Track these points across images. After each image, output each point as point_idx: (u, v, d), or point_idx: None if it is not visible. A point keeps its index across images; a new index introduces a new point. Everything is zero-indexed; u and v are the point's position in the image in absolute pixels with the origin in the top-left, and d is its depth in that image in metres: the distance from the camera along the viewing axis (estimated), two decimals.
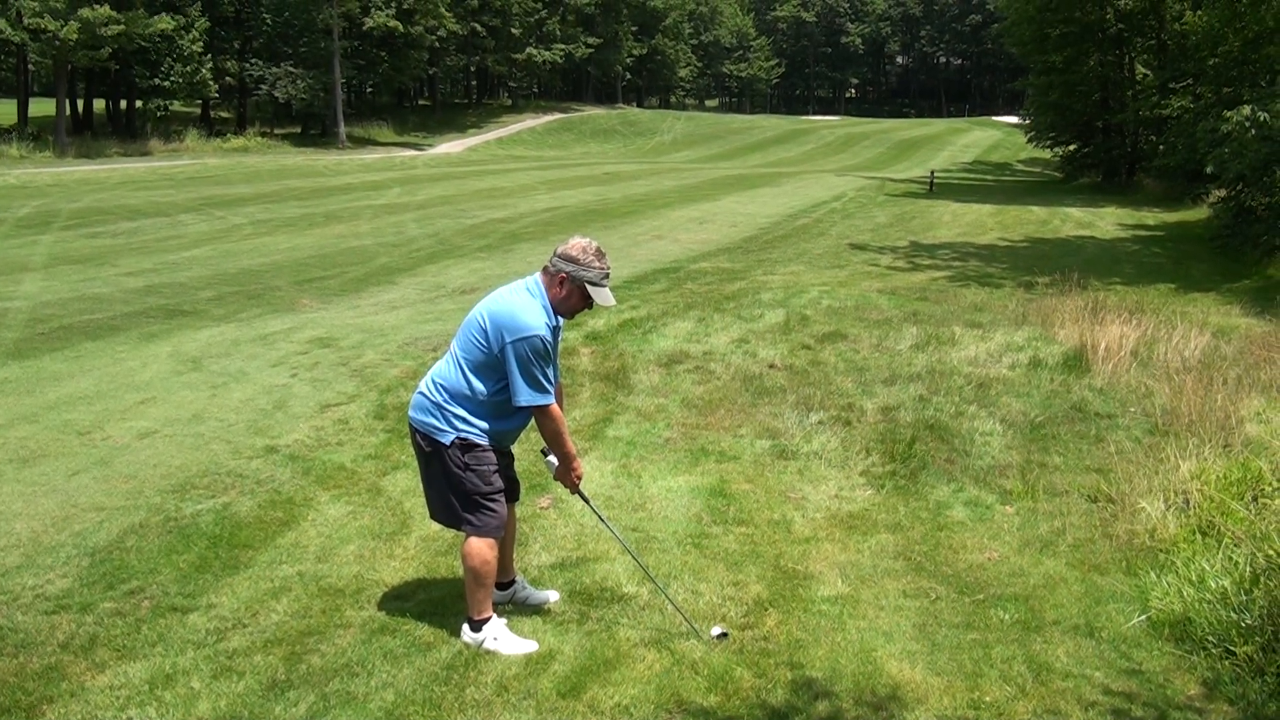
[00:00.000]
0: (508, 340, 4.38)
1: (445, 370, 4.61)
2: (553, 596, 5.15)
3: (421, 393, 4.67)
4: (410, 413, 4.70)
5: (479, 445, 4.56)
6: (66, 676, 4.35)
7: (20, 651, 4.55)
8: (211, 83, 49.56)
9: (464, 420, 4.54)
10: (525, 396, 4.42)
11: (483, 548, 4.59)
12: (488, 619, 4.67)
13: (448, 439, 4.54)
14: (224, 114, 61.52)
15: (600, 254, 4.54)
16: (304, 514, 6.22)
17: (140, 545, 5.70)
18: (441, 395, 4.58)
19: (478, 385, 4.51)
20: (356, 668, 4.46)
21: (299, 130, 59.73)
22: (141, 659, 4.51)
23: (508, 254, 18.16)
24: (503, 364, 4.42)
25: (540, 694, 4.28)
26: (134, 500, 6.38)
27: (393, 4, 56.56)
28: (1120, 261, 19.02)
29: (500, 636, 4.65)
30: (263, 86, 54.63)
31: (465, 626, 4.71)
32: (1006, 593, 5.36)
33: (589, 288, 4.51)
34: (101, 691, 4.25)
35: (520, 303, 4.47)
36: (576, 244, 4.53)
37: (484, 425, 4.56)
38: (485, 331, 4.45)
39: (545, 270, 4.55)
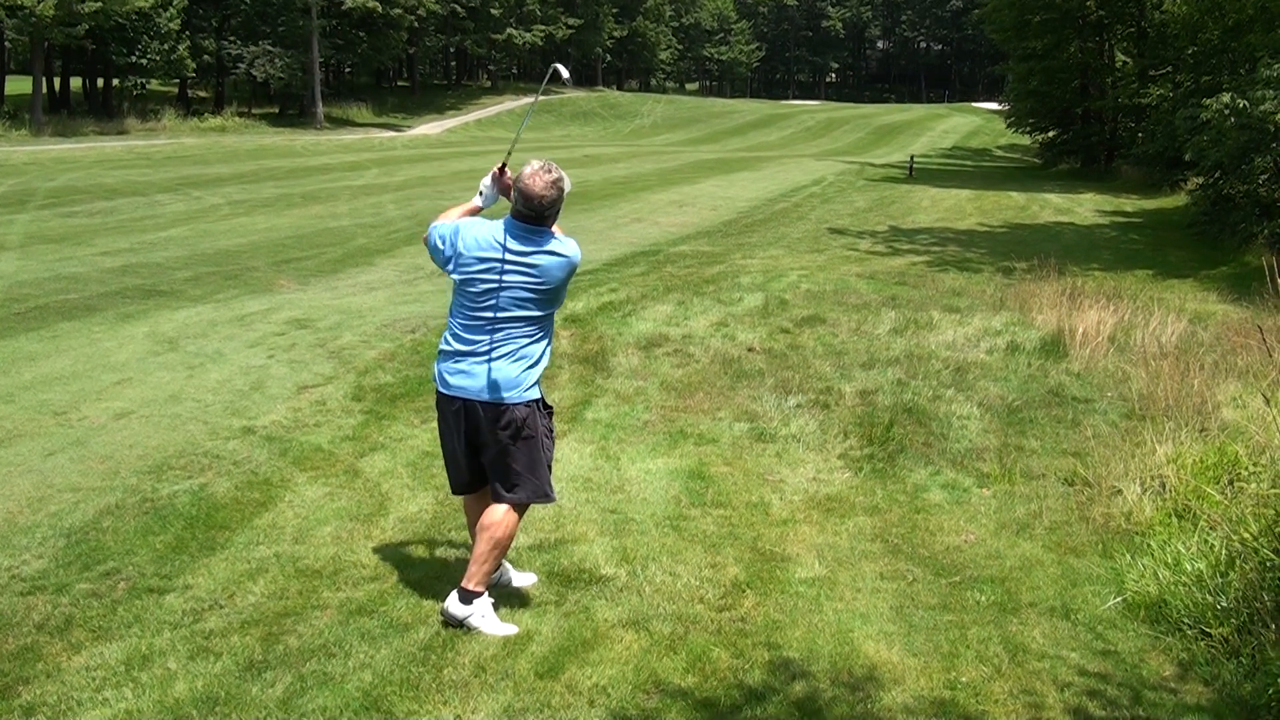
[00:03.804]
0: None
1: None
2: (530, 579, 5.14)
3: None
4: None
5: (438, 390, 4.73)
6: (42, 657, 4.32)
7: None
8: (189, 61, 49.04)
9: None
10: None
11: (515, 520, 4.68)
12: (481, 594, 4.62)
13: None
14: (201, 93, 60.87)
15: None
16: (281, 495, 6.19)
17: (116, 526, 5.66)
18: None
19: None
20: (334, 648, 4.44)
21: (277, 110, 59.22)
22: (118, 640, 4.48)
23: None
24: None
25: (518, 675, 4.28)
26: (110, 481, 6.34)
27: None
28: (1098, 247, 19.14)
29: (486, 615, 4.60)
30: (240, 65, 53.99)
31: (454, 596, 4.62)
32: (983, 575, 5.39)
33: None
34: (77, 672, 4.22)
35: None
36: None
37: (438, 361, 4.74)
38: None
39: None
